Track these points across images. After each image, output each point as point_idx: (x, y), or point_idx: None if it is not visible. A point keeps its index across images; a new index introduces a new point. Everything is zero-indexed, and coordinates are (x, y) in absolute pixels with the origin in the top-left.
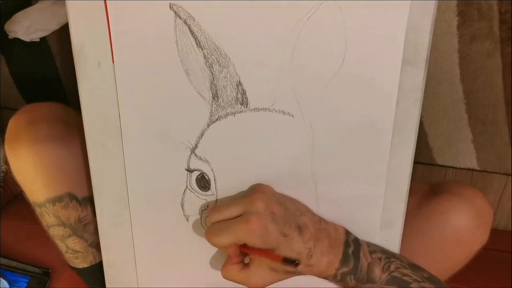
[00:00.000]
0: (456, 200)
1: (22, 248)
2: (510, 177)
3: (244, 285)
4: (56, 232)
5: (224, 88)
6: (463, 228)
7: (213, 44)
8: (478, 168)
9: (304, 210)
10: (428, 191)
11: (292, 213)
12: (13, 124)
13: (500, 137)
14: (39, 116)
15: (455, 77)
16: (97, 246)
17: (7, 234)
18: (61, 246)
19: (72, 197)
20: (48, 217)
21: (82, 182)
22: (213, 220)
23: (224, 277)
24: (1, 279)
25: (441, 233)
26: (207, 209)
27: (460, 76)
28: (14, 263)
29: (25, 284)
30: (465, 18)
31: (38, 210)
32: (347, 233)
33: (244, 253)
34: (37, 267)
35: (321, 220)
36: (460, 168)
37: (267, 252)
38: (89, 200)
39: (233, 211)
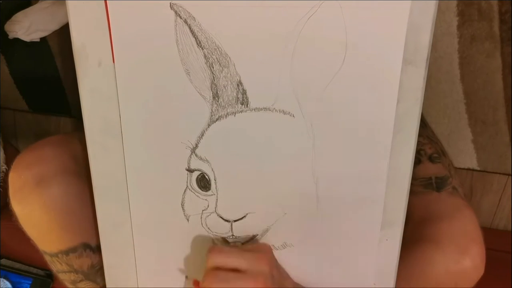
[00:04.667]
0: (441, 258)
1: (24, 249)
2: (510, 177)
3: None
4: (67, 278)
5: (225, 88)
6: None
7: (214, 44)
8: (478, 168)
9: (287, 275)
10: (416, 229)
11: (282, 277)
12: (18, 180)
13: (500, 137)
14: (48, 173)
15: (455, 77)
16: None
17: (8, 235)
18: None
19: (86, 246)
20: (60, 265)
21: (96, 230)
22: (214, 262)
23: None
24: (4, 280)
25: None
26: (211, 248)
27: (460, 76)
28: (17, 265)
29: (28, 286)
30: (465, 18)
31: (48, 258)
32: None
33: None
34: (40, 269)
35: (297, 285)
36: (460, 168)
37: None
38: None
39: (237, 263)
